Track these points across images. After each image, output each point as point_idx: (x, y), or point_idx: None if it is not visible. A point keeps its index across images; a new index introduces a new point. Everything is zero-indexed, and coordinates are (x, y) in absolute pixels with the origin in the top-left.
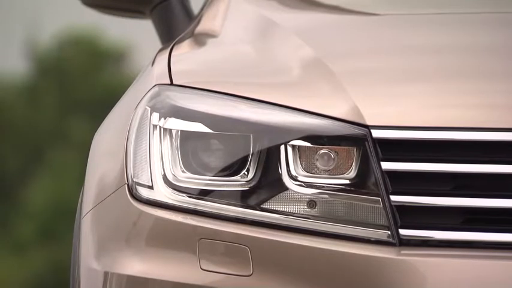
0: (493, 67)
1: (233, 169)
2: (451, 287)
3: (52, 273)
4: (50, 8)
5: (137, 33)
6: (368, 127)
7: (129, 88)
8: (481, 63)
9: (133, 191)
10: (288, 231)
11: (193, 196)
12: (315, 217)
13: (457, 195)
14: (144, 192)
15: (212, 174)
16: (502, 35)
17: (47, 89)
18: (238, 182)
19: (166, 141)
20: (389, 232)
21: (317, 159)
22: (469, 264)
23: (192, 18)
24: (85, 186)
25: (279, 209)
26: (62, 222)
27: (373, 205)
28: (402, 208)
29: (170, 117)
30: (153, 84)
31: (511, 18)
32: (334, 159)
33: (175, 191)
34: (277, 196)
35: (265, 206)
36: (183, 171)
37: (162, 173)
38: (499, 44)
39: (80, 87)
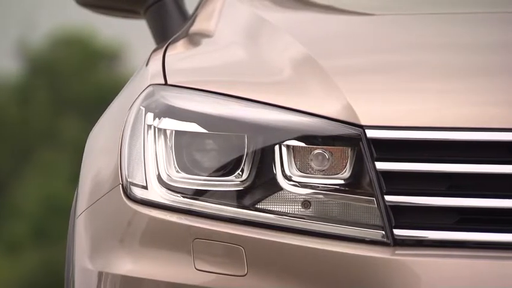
0: (489, 66)
1: (227, 169)
2: (445, 287)
3: (43, 270)
4: (44, 7)
5: (131, 33)
6: (362, 127)
7: (124, 88)
8: (476, 62)
9: (128, 191)
10: (283, 231)
11: (188, 196)
12: (309, 217)
13: (451, 195)
14: (138, 192)
15: (206, 174)
16: (497, 34)
17: (39, 89)
18: (233, 182)
19: (161, 141)
20: (383, 232)
21: (311, 159)
22: (463, 264)
23: (186, 18)
24: (79, 186)
25: (273, 209)
26: (52, 220)
27: (367, 205)
28: (396, 208)
29: (164, 117)
30: (148, 84)
31: (505, 17)
32: (328, 159)
33: (169, 191)
34: (271, 196)
35: (259, 206)
36: (177, 171)
37: (157, 173)
38: (494, 43)
39: (72, 87)
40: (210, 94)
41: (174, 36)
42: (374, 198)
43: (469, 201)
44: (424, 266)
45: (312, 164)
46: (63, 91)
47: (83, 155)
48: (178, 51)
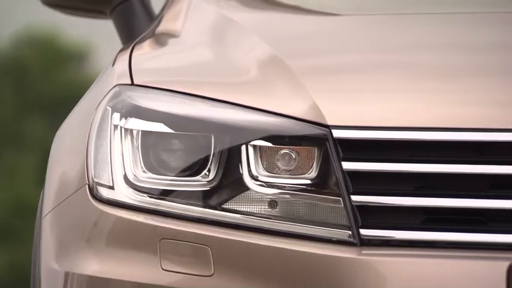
0: (458, 66)
1: (194, 169)
2: (410, 286)
3: (9, 271)
4: (10, 7)
5: (99, 33)
6: (329, 127)
7: (90, 88)
8: (443, 62)
9: (94, 191)
10: (249, 231)
11: (154, 196)
12: (276, 217)
13: (418, 195)
14: (104, 193)
15: (173, 175)
16: (462, 34)
17: (6, 89)
18: (200, 182)
19: (127, 141)
20: (350, 232)
21: (278, 159)
22: (429, 263)
23: (153, 18)
24: (46, 186)
25: (240, 209)
26: (19, 221)
27: (334, 205)
28: (363, 208)
29: (131, 117)
30: (114, 84)
31: (467, 17)
32: (295, 159)
33: (136, 191)
34: (238, 196)
35: (226, 206)
36: (144, 172)
37: (123, 173)
38: (459, 43)
39: (39, 87)
40: (176, 94)
41: (141, 36)
42: (341, 198)
43: (435, 201)
44: (390, 266)
45: (279, 164)
46: (30, 91)
47: (49, 155)
48: (144, 51)
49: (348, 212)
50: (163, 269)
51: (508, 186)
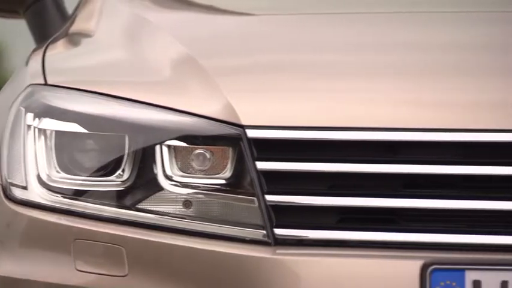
0: (367, 65)
1: (108, 169)
2: (324, 286)
3: None
4: None
5: (13, 33)
6: (243, 127)
7: (4, 87)
8: (354, 61)
9: (7, 191)
10: (164, 231)
11: (68, 196)
12: (190, 217)
13: (332, 195)
14: (18, 193)
15: (87, 175)
16: (380, 34)
17: None
18: (114, 182)
19: (41, 141)
20: (264, 232)
21: (192, 159)
22: (343, 263)
23: (66, 18)
24: None
25: (154, 209)
26: None
27: (248, 205)
28: (277, 208)
29: (44, 117)
30: (28, 84)
31: (386, 17)
32: (209, 159)
33: (49, 192)
34: (152, 196)
35: (140, 206)
36: (57, 172)
37: (37, 173)
38: (375, 42)
39: None
40: (90, 94)
41: (54, 36)
42: (255, 198)
43: (349, 201)
44: (304, 265)
45: (193, 164)
46: None
47: None
48: (58, 51)
49: (262, 212)
50: (77, 270)
51: (421, 185)
